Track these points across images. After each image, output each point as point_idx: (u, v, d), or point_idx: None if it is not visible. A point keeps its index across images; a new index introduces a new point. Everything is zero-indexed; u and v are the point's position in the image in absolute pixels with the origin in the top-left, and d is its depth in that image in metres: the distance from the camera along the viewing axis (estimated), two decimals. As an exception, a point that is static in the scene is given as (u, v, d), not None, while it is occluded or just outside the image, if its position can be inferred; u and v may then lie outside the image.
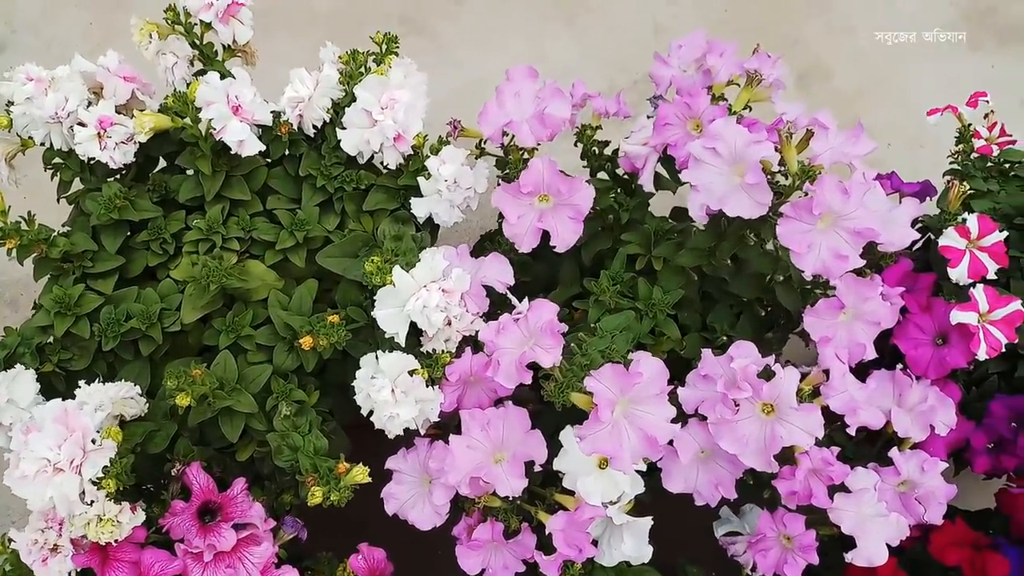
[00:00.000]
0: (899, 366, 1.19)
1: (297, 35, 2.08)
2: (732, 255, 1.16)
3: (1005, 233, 1.23)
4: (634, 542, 1.08)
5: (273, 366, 1.16)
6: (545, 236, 1.19)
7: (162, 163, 1.30)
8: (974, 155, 1.41)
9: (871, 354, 1.12)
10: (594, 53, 2.07)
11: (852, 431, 1.02)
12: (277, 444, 1.11)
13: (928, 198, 1.38)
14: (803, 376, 1.06)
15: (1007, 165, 1.43)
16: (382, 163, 1.24)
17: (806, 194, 0.99)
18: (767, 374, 0.99)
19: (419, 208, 1.23)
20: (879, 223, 0.97)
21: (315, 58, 1.29)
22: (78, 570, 1.07)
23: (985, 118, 1.43)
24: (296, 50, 1.99)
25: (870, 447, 1.23)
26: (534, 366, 1.02)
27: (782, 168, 1.09)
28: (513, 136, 1.20)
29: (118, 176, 1.27)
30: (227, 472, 1.19)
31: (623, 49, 2.08)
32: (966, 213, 1.23)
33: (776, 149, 1.02)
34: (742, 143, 1.00)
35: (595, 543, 1.09)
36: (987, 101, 1.42)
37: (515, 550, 1.08)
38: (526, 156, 1.21)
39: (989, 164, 1.42)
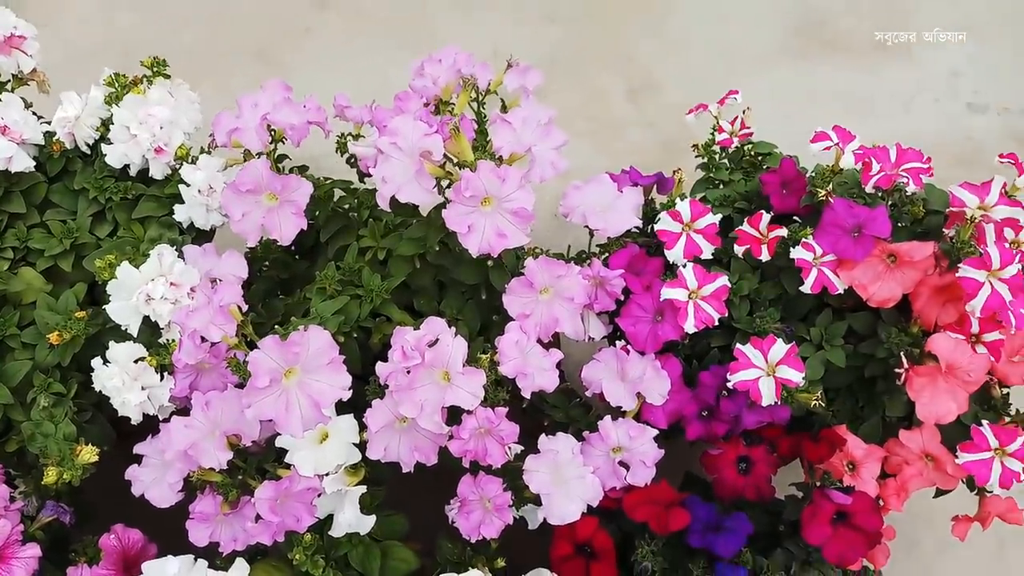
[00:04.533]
0: (620, 342, 1.28)
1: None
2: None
3: (718, 216, 1.32)
4: (353, 511, 1.17)
5: (34, 362, 1.26)
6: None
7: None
8: (730, 149, 1.51)
9: (567, 329, 1.21)
10: (436, 77, 2.18)
11: (526, 394, 1.10)
12: (31, 432, 1.21)
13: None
14: (498, 349, 1.15)
15: (760, 158, 1.53)
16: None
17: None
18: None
19: (180, 213, 1.33)
20: (531, 203, 1.07)
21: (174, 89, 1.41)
22: None
23: (743, 114, 1.53)
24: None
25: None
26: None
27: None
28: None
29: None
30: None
31: (463, 72, 2.19)
32: (678, 199, 1.33)
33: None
34: (416, 136, 1.10)
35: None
36: (737, 98, 1.52)
37: (239, 521, 1.16)
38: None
39: (744, 157, 1.52)
